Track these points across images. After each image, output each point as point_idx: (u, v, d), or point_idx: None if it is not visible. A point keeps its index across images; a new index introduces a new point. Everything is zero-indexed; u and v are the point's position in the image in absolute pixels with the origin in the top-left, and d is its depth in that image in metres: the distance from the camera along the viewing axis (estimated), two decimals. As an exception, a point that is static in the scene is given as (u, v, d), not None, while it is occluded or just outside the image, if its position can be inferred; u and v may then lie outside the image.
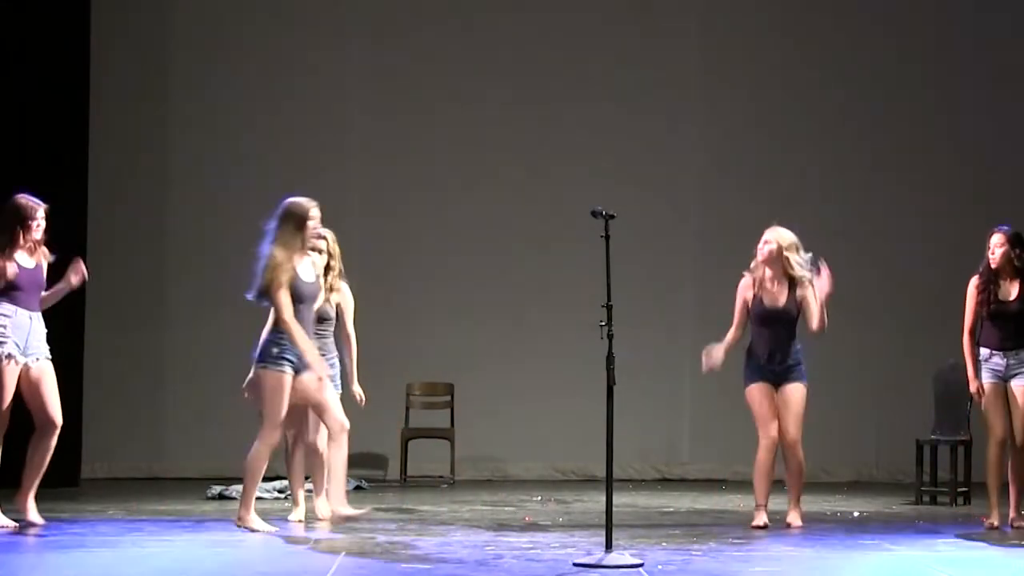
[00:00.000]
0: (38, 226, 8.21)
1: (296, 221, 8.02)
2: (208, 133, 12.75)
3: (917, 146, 13.00)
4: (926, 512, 9.81)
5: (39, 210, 8.24)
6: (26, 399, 8.21)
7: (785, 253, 8.68)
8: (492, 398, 12.51)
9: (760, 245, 8.80)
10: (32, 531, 8.05)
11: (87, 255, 12.13)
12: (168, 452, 12.42)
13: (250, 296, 8.10)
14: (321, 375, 7.96)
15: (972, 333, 8.83)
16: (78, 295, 12.02)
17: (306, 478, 8.89)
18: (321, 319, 8.61)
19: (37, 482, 8.30)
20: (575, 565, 6.68)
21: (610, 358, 6.93)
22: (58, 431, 8.26)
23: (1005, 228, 8.74)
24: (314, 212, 8.10)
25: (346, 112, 12.84)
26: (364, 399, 8.91)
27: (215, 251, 12.68)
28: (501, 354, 12.59)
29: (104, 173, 12.27)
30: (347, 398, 8.78)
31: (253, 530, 8.01)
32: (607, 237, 7.13)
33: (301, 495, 8.80)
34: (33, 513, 8.25)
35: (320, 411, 8.13)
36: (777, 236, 8.76)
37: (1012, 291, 8.68)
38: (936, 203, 12.94)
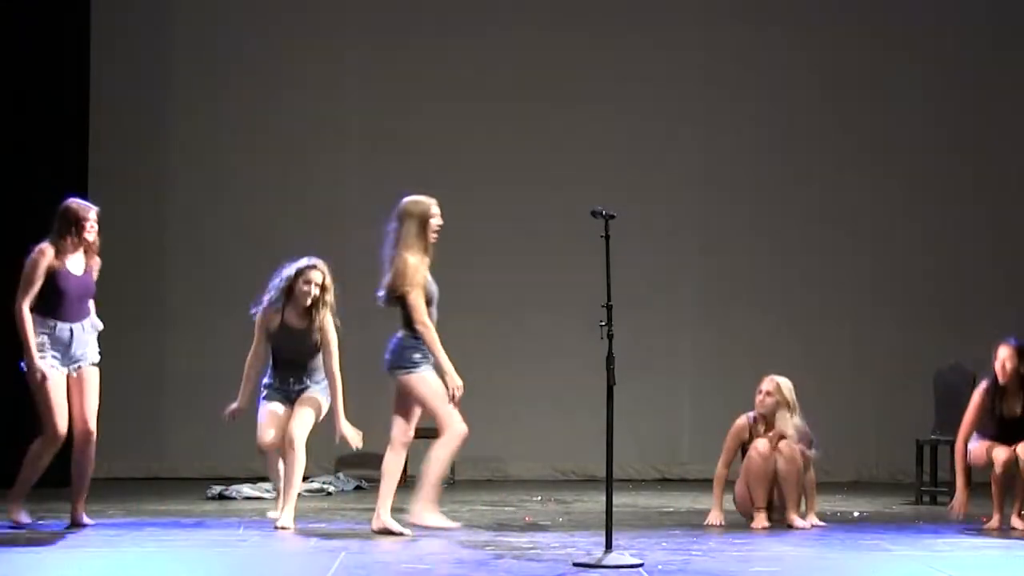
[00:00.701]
0: (91, 227, 8.20)
1: (419, 220, 8.01)
2: (209, 133, 12.75)
3: (918, 147, 13.00)
4: (926, 512, 9.82)
5: (91, 211, 8.23)
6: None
7: (781, 411, 8.64)
8: (492, 398, 12.49)
9: (760, 397, 8.76)
10: (81, 531, 8.11)
11: (87, 255, 12.17)
12: (168, 452, 12.41)
13: (381, 302, 8.07)
14: (456, 384, 7.92)
15: (966, 441, 8.73)
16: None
17: (305, 478, 8.88)
18: (315, 350, 8.55)
19: (84, 492, 8.31)
20: (575, 565, 6.68)
21: (610, 358, 6.93)
22: (92, 438, 8.23)
23: (1012, 341, 8.61)
24: (435, 209, 8.08)
25: (345, 112, 12.83)
26: (359, 438, 8.65)
27: (216, 251, 12.69)
28: (501, 354, 12.58)
29: (104, 173, 12.26)
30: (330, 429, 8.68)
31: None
32: (607, 237, 7.14)
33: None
34: (83, 517, 8.29)
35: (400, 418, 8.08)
36: (777, 390, 8.71)
37: (1018, 407, 8.61)
38: (937, 203, 12.94)
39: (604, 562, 6.69)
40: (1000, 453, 8.55)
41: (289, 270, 8.59)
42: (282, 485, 8.55)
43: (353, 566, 6.68)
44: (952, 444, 10.39)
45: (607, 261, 7.05)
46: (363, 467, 12.12)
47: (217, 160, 12.75)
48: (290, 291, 8.54)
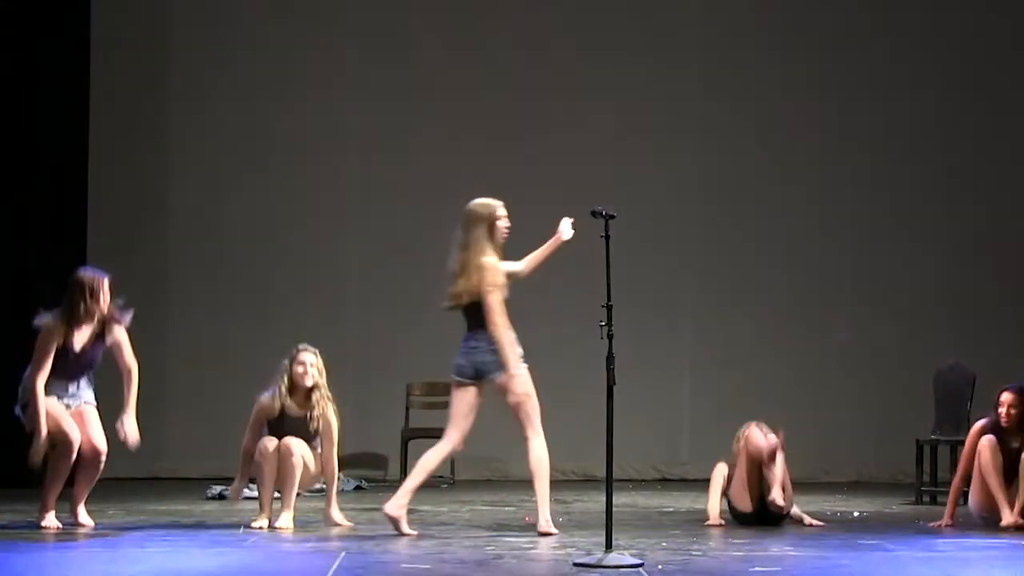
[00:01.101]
0: (104, 296, 8.25)
1: (488, 223, 8.04)
2: (210, 134, 12.75)
3: (918, 147, 13.00)
4: (926, 512, 9.80)
5: (103, 281, 8.28)
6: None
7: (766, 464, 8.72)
8: (492, 398, 12.47)
9: (740, 443, 8.80)
10: (81, 530, 8.12)
11: (87, 255, 12.16)
12: (168, 452, 12.40)
13: (448, 307, 8.04)
14: (524, 393, 8.08)
15: (963, 480, 8.96)
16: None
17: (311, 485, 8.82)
18: (313, 436, 8.52)
19: (85, 495, 8.32)
20: (575, 565, 6.68)
21: (610, 358, 6.93)
22: (102, 457, 8.25)
23: (1016, 386, 8.78)
24: (501, 211, 8.13)
25: (346, 112, 12.84)
26: (348, 524, 8.54)
27: (216, 251, 12.70)
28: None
29: (104, 173, 12.27)
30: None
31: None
32: (607, 237, 7.14)
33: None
34: (83, 517, 8.29)
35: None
36: (757, 445, 8.77)
37: (1017, 444, 8.74)
38: (937, 204, 12.94)
39: (604, 562, 6.68)
40: (987, 453, 8.61)
41: (284, 361, 8.54)
42: (266, 495, 8.47)
43: (353, 566, 6.67)
44: (951, 444, 10.43)
45: (607, 261, 7.05)
46: (363, 467, 12.14)
47: (218, 161, 12.76)
48: (289, 381, 8.48)
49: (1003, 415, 8.73)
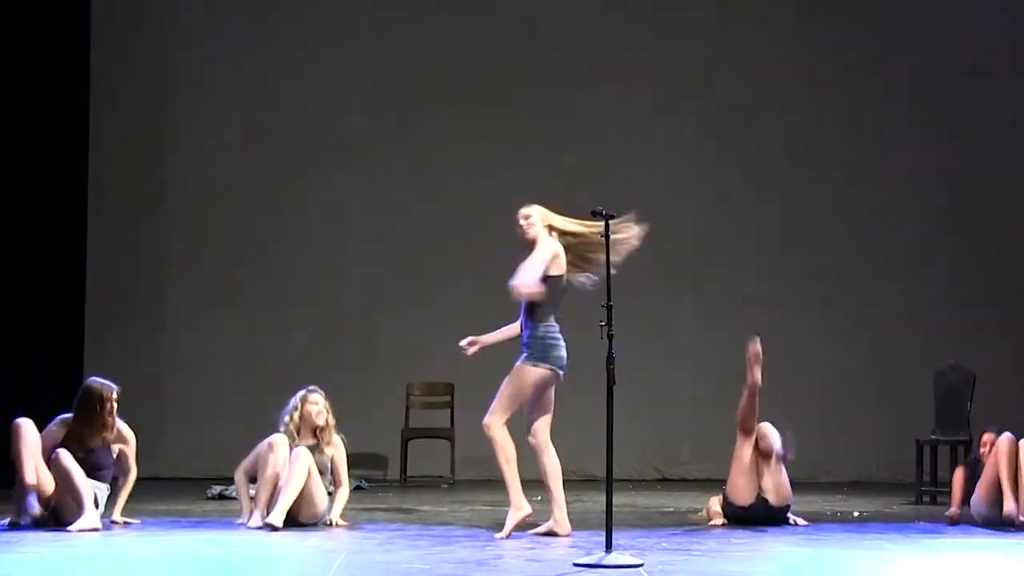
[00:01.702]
0: (111, 409, 8.37)
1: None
2: (210, 132, 12.77)
3: (917, 147, 13.01)
4: (926, 512, 9.81)
5: (114, 392, 8.41)
6: None
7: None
8: (491, 398, 12.49)
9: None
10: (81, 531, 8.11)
11: (87, 255, 12.18)
12: (168, 452, 12.41)
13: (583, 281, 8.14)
14: None
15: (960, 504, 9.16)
16: (78, 294, 12.07)
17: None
18: (321, 472, 8.55)
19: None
20: (575, 565, 6.68)
21: (610, 358, 6.93)
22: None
23: (997, 430, 8.92)
24: None
25: (347, 112, 12.85)
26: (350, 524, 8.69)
27: (216, 251, 12.71)
28: (501, 354, 12.53)
29: (104, 173, 12.28)
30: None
31: None
32: (607, 237, 7.14)
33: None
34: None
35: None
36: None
37: None
38: (937, 204, 12.94)
39: (604, 562, 6.68)
40: (1006, 446, 8.64)
41: (294, 400, 8.62)
42: (265, 494, 8.45)
43: (353, 566, 6.67)
44: (951, 444, 10.45)
45: (607, 261, 7.06)
46: (363, 467, 12.13)
47: (218, 162, 12.78)
48: (300, 417, 8.59)
49: (984, 454, 8.90)
